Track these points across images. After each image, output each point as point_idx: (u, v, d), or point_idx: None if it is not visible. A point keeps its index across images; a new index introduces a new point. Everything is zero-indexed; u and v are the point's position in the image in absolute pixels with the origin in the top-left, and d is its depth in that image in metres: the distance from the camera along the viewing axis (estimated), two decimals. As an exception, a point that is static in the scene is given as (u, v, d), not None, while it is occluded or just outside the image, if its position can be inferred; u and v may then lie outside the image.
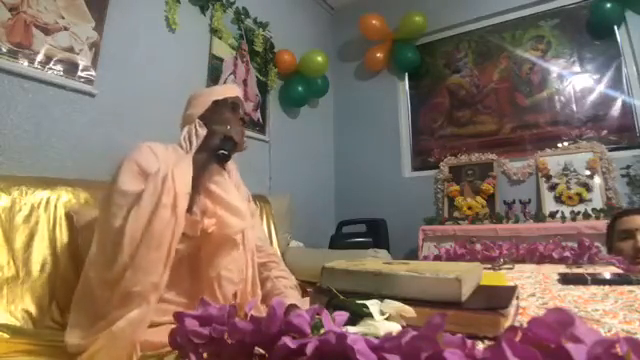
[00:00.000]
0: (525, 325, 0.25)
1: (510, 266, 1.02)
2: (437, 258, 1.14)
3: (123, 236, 0.77)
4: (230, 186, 0.97)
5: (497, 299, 0.47)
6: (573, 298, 0.62)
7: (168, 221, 0.78)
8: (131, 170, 0.89)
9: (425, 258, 1.21)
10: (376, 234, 2.70)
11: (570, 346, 0.22)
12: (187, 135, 1.03)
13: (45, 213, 1.17)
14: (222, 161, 0.91)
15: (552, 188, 2.46)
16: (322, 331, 0.31)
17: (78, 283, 0.88)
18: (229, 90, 1.14)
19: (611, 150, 2.38)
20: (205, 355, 0.35)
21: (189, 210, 0.85)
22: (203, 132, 1.03)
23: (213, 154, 0.95)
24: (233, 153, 1.00)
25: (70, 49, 1.54)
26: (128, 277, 0.75)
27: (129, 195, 0.83)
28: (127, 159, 0.92)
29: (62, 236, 1.18)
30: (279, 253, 2.03)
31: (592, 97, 2.52)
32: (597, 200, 2.30)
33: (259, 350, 0.33)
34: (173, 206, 0.79)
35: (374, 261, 0.67)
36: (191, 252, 0.90)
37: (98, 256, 0.83)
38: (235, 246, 0.93)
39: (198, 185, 0.89)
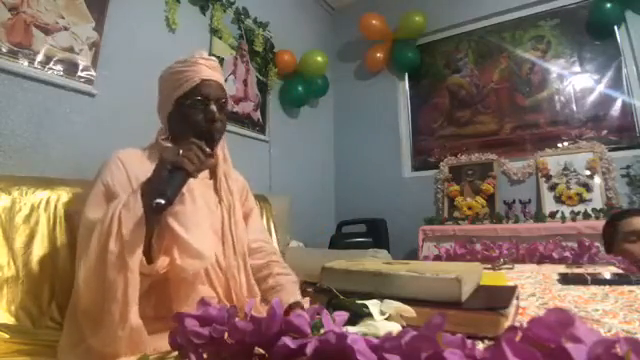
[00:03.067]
0: (525, 325, 0.25)
1: (510, 266, 1.02)
2: (437, 258, 1.15)
3: (79, 277, 0.73)
4: (193, 213, 0.83)
5: (497, 299, 0.47)
6: (573, 298, 0.62)
7: (118, 270, 0.70)
8: (98, 192, 0.83)
9: (425, 258, 1.21)
10: (376, 234, 2.70)
11: (570, 346, 0.22)
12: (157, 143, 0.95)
13: (45, 213, 1.16)
14: (158, 212, 0.71)
15: (552, 188, 2.46)
16: (322, 331, 0.31)
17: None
18: (190, 75, 0.89)
19: (611, 150, 2.38)
20: (205, 355, 0.35)
21: (147, 247, 0.75)
22: (167, 144, 0.92)
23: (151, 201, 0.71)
24: (188, 180, 0.78)
25: (70, 49, 1.54)
26: (102, 335, 0.70)
27: (89, 225, 0.77)
28: (96, 177, 0.87)
29: (62, 236, 1.18)
30: (279, 252, 2.03)
31: (592, 97, 2.52)
32: (597, 200, 2.30)
33: (259, 350, 0.33)
34: (120, 254, 0.70)
35: (374, 261, 0.67)
36: (158, 280, 0.82)
37: (75, 283, 0.79)
38: (198, 282, 0.85)
39: (154, 218, 0.76)
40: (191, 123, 0.88)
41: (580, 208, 2.30)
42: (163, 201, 0.70)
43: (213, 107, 0.89)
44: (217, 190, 1.00)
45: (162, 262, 0.78)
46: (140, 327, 0.71)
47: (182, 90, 0.88)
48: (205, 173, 0.99)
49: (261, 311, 0.92)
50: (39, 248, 1.12)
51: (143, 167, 0.87)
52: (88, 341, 0.75)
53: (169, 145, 0.92)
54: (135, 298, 0.71)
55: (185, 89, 0.88)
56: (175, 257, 0.78)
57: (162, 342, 0.69)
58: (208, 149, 0.82)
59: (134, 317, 0.71)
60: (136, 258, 0.72)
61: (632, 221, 1.30)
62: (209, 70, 0.91)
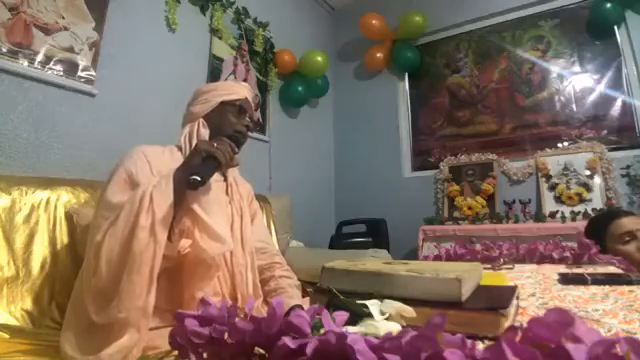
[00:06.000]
0: (525, 325, 0.25)
1: (510, 266, 1.02)
2: (437, 258, 1.14)
3: (100, 254, 0.75)
4: (215, 203, 0.90)
5: (497, 299, 0.47)
6: (573, 298, 0.62)
7: (147, 243, 0.74)
8: (120, 179, 0.86)
9: (425, 258, 1.21)
10: (376, 234, 2.70)
11: (570, 346, 0.22)
12: (188, 135, 1.00)
13: (45, 213, 1.17)
14: (192, 188, 0.79)
15: (552, 188, 2.46)
16: (322, 331, 0.32)
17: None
18: (238, 90, 1.06)
19: (611, 150, 2.38)
20: (205, 355, 0.35)
21: (170, 229, 0.80)
22: (205, 134, 0.98)
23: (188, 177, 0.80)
24: (216, 172, 0.87)
25: (70, 49, 1.54)
26: (114, 304, 0.72)
27: (114, 207, 0.80)
28: (118, 166, 0.89)
29: (62, 236, 1.18)
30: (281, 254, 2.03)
31: (592, 97, 2.52)
32: (597, 200, 2.30)
33: (259, 350, 0.33)
34: (152, 228, 0.75)
35: (374, 261, 0.67)
36: (171, 267, 0.85)
37: (85, 263, 0.81)
38: (214, 268, 0.88)
39: (180, 202, 0.82)
40: (228, 122, 1.02)
41: (580, 208, 2.30)
42: (199, 178, 0.77)
43: (248, 119, 1.07)
44: (228, 192, 1.05)
45: (184, 243, 0.83)
46: (152, 307, 0.75)
47: (231, 97, 1.04)
48: (219, 176, 1.03)
49: (262, 312, 0.93)
50: (39, 248, 1.13)
51: (165, 163, 0.92)
52: (93, 319, 0.76)
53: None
54: (156, 276, 0.75)
55: (233, 97, 1.04)
56: (197, 238, 0.83)
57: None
58: (236, 148, 0.94)
59: (153, 294, 0.75)
60: (165, 234, 0.77)
61: (622, 222, 1.29)
62: (251, 97, 1.10)
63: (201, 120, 1.01)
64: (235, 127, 1.02)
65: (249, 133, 1.10)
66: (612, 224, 1.32)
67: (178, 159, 0.93)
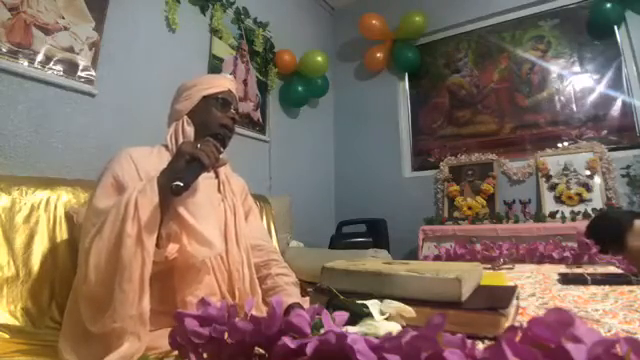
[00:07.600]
0: (525, 325, 0.25)
1: (510, 266, 1.02)
2: (437, 258, 1.15)
3: (88, 259, 0.75)
4: (205, 204, 0.88)
5: (497, 299, 0.47)
6: (573, 298, 0.62)
7: (134, 251, 0.73)
8: (107, 183, 0.86)
9: (425, 258, 1.21)
10: (376, 234, 2.70)
11: (570, 346, 0.22)
12: (173, 134, 0.99)
13: (45, 213, 1.17)
14: (176, 194, 0.75)
15: (552, 188, 2.46)
16: (322, 331, 0.32)
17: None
18: (220, 83, 1.04)
19: (611, 150, 2.38)
20: (205, 355, 0.35)
21: (157, 234, 0.78)
22: (190, 131, 0.97)
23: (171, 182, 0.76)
24: (202, 174, 0.84)
25: (70, 49, 1.54)
26: (108, 315, 0.72)
27: (100, 213, 0.80)
28: (106, 170, 0.89)
29: (62, 236, 1.18)
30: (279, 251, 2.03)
31: (592, 97, 2.52)
32: (597, 200, 2.30)
33: (259, 350, 0.33)
34: (138, 236, 0.73)
35: (374, 261, 0.67)
36: (162, 270, 0.83)
37: (78, 269, 0.81)
38: (204, 271, 0.87)
39: (166, 206, 0.80)
40: (213, 116, 1.00)
41: (580, 208, 2.30)
42: (182, 184, 0.75)
43: (234, 111, 1.04)
44: (220, 190, 1.03)
45: (172, 248, 0.81)
46: (147, 313, 0.74)
47: (213, 90, 1.02)
48: (210, 173, 1.01)
49: (262, 310, 0.92)
50: (39, 248, 1.13)
51: (152, 164, 0.91)
52: (88, 328, 0.75)
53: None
54: (148, 283, 0.74)
55: (215, 90, 1.02)
56: (184, 243, 0.81)
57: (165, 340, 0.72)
58: (221, 148, 0.92)
59: (147, 301, 0.74)
60: (153, 241, 0.75)
61: None
62: (234, 88, 1.08)
63: (185, 117, 0.99)
64: (220, 121, 1.00)
65: (244, 127, 1.08)
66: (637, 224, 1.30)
67: (166, 159, 0.91)
